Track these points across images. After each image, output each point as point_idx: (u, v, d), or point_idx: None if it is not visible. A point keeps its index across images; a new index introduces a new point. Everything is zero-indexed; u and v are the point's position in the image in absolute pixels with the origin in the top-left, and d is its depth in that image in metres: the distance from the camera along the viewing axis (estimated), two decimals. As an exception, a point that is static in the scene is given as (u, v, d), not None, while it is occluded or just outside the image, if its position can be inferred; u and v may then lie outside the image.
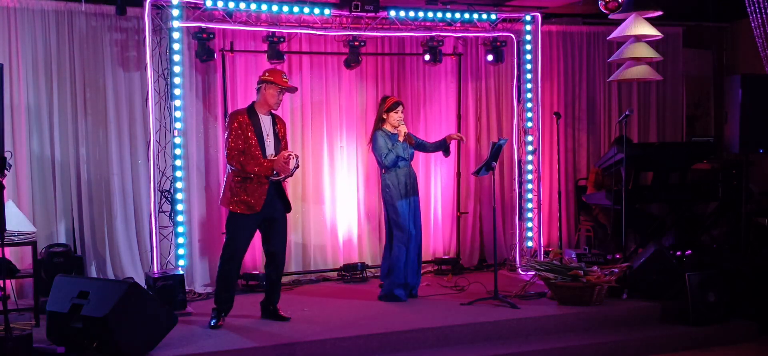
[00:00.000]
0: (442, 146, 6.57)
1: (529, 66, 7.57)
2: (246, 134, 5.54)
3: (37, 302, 5.76)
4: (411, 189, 6.42)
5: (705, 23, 9.02)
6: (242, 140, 5.53)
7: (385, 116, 6.36)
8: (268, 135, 5.65)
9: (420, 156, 7.82)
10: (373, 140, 6.39)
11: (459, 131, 7.90)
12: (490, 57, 7.60)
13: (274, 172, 5.55)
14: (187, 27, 6.60)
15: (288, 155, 5.53)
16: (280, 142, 5.73)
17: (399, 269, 6.36)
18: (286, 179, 5.70)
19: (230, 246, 5.67)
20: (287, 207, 5.79)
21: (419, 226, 6.54)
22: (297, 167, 5.58)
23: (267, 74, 5.72)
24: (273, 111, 5.77)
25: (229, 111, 6.55)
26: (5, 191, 5.08)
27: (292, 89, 5.92)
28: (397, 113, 6.34)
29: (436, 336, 5.58)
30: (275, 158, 5.56)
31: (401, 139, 6.30)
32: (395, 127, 6.34)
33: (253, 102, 5.74)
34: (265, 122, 5.68)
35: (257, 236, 5.83)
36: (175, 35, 6.41)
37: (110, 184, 6.78)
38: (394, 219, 6.37)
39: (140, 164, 6.84)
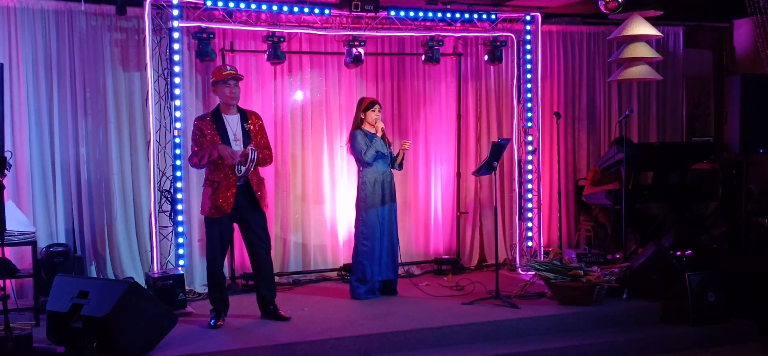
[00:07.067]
0: (393, 161, 6.61)
1: (529, 66, 7.57)
2: (211, 137, 5.56)
3: (37, 302, 5.75)
4: (388, 195, 6.51)
5: (705, 23, 9.02)
6: (204, 142, 5.57)
7: (362, 116, 6.48)
8: (235, 135, 5.64)
9: (420, 156, 7.84)
10: (351, 139, 6.50)
11: (459, 130, 7.92)
12: (489, 57, 7.59)
13: (238, 169, 5.52)
14: (187, 27, 6.60)
15: (240, 151, 5.54)
16: (252, 138, 5.68)
17: (364, 272, 6.51)
18: (249, 174, 5.58)
19: (209, 249, 5.75)
20: (257, 207, 5.73)
21: (396, 228, 6.60)
22: (253, 158, 5.49)
23: (211, 77, 5.82)
24: (241, 107, 5.77)
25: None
26: (5, 191, 5.07)
27: (238, 77, 5.75)
28: (374, 112, 6.47)
29: (436, 336, 5.58)
30: (222, 145, 5.52)
31: (379, 134, 6.43)
32: (373, 126, 6.45)
33: (218, 105, 5.75)
34: (232, 121, 5.68)
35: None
36: (175, 35, 6.40)
37: (110, 184, 6.77)
38: (362, 224, 6.48)
39: (140, 164, 6.83)
